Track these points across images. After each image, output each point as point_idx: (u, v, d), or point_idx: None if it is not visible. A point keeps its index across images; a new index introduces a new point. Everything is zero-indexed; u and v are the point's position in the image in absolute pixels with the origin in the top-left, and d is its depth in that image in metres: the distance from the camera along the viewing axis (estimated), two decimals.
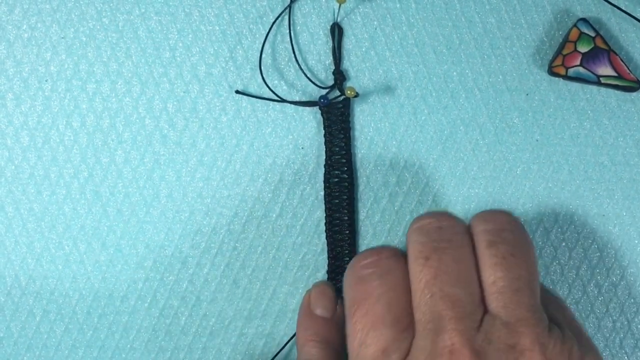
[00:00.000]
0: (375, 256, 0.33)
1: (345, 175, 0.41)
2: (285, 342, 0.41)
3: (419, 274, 0.31)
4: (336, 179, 0.41)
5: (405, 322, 0.31)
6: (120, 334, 0.42)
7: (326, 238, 0.41)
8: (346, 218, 0.41)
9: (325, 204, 0.41)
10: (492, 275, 0.31)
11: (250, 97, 0.42)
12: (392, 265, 0.32)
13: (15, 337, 0.42)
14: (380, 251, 0.33)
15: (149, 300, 0.42)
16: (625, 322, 0.42)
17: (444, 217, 0.32)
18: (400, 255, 0.33)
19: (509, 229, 0.32)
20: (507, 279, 0.31)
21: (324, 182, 0.41)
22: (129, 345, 0.42)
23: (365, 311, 0.31)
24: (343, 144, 0.41)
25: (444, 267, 0.31)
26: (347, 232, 0.41)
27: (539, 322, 0.30)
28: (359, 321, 0.31)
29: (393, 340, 0.30)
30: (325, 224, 0.41)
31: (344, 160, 0.41)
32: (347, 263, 0.41)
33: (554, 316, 0.31)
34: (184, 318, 0.42)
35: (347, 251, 0.41)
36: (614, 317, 0.42)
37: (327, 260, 0.41)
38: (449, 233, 0.32)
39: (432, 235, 0.31)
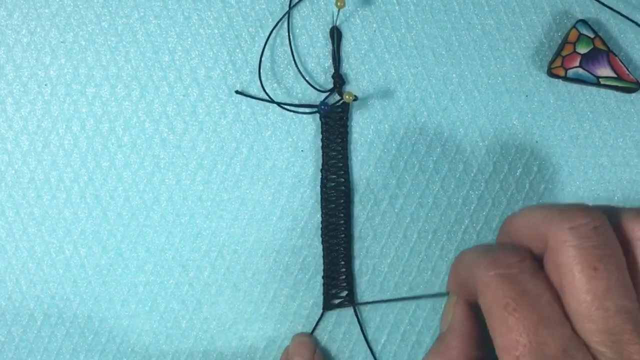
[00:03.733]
0: (517, 257, 0.31)
1: (342, 179, 0.41)
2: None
3: (587, 285, 0.30)
4: (333, 183, 0.41)
5: (569, 325, 0.30)
6: (121, 337, 0.42)
7: (322, 243, 0.41)
8: (342, 222, 0.41)
9: (321, 208, 0.41)
10: None
11: (249, 101, 0.42)
12: (534, 266, 0.31)
13: (17, 341, 0.42)
14: (519, 252, 0.32)
15: (149, 304, 0.42)
16: None
17: (595, 214, 0.31)
18: (534, 258, 0.32)
19: None
20: None
21: (321, 186, 0.41)
22: (130, 349, 0.42)
23: (529, 308, 0.30)
24: (340, 148, 0.41)
25: (614, 279, 0.30)
26: (343, 235, 0.41)
27: None
28: (522, 318, 0.31)
29: (570, 339, 0.30)
30: (322, 228, 0.41)
31: (341, 165, 0.41)
32: (343, 267, 0.41)
33: None
34: (184, 322, 0.42)
35: (342, 255, 0.41)
36: None
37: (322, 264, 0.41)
38: (606, 236, 0.31)
39: (592, 240, 0.30)
